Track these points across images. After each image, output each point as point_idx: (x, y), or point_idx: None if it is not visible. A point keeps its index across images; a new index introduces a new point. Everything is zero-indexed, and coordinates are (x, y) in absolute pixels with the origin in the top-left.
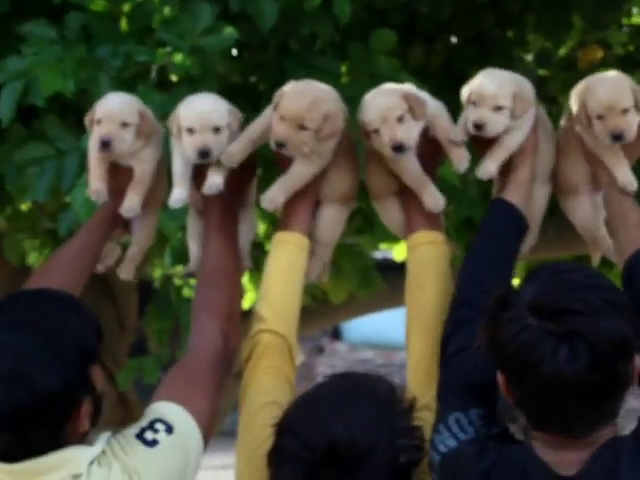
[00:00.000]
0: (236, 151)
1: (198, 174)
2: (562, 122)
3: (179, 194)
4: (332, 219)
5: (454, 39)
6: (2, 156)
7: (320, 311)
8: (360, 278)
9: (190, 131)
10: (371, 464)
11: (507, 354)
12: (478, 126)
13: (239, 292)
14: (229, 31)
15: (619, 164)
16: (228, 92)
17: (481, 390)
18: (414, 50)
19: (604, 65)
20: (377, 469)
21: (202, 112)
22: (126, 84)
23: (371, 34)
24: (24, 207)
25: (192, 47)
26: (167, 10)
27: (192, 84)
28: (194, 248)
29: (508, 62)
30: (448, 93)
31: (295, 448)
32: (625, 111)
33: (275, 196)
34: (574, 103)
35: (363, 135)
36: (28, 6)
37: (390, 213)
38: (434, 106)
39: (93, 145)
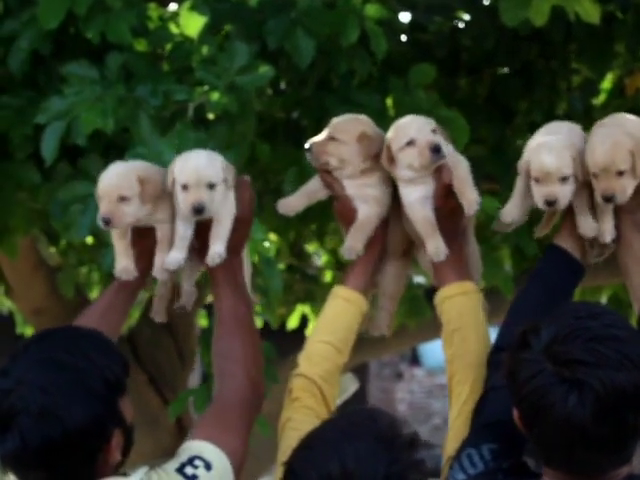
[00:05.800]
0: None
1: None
2: None
3: (175, 257)
4: (395, 274)
5: (499, 70)
6: (48, 194)
7: (370, 341)
8: (409, 307)
9: (185, 187)
10: None
11: (522, 394)
12: (550, 203)
13: (257, 337)
14: (265, 69)
15: (608, 221)
16: (271, 128)
17: (499, 426)
18: (459, 81)
19: None
20: None
21: (197, 168)
22: (165, 122)
23: (410, 68)
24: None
25: (228, 85)
26: (205, 49)
27: (229, 121)
28: (185, 286)
29: (553, 93)
30: (494, 123)
31: None
32: (620, 173)
33: (353, 245)
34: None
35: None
36: (69, 47)
37: (422, 263)
38: (453, 154)
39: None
